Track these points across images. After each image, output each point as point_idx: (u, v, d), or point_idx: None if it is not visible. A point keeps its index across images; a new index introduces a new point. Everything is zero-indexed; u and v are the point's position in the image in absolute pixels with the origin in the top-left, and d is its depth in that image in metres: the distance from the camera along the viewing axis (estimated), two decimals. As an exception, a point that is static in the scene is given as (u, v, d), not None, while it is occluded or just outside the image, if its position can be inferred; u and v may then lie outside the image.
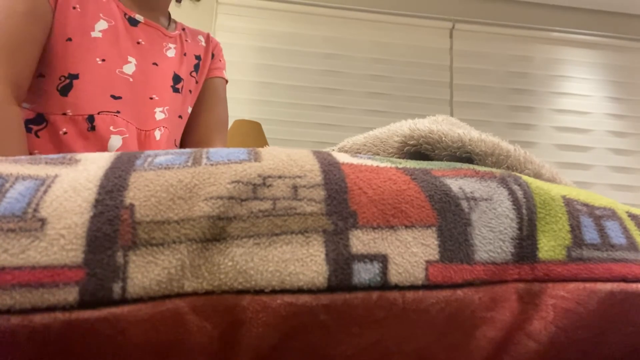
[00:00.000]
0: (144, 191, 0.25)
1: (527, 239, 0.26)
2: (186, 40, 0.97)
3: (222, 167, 0.26)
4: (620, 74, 2.69)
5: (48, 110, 0.80)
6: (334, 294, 0.23)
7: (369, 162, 0.29)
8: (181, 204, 0.24)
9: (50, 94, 0.80)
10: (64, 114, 0.79)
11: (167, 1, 0.96)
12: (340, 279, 0.23)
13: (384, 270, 0.24)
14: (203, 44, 1.01)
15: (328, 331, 0.23)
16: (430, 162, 0.31)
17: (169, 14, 0.99)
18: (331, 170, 0.27)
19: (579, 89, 2.65)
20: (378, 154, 0.42)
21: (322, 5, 2.56)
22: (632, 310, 0.26)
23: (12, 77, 0.72)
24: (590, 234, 0.27)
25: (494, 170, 0.30)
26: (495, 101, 2.60)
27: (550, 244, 0.26)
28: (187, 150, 0.29)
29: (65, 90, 0.80)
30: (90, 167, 0.26)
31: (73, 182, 0.25)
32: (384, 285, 0.24)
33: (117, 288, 0.22)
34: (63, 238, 0.23)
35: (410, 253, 0.24)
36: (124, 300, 0.22)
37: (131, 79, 0.84)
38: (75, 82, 0.81)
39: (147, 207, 0.24)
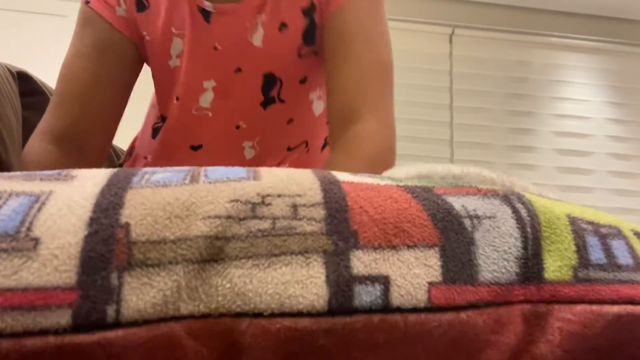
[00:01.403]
0: (140, 209, 0.24)
1: (532, 259, 0.26)
2: None
3: (221, 186, 0.26)
4: (620, 79, 2.69)
5: (138, 144, 0.70)
6: (335, 318, 0.22)
7: (370, 181, 0.28)
8: (178, 222, 0.24)
9: (146, 130, 0.70)
10: (145, 157, 0.71)
11: None
12: (341, 302, 0.23)
13: (386, 293, 0.23)
14: None
15: (328, 356, 0.23)
16: (431, 179, 0.30)
17: None
18: (331, 189, 0.26)
19: (578, 93, 2.65)
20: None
21: (322, 10, 2.55)
22: (639, 333, 0.25)
23: (60, 128, 0.61)
24: (596, 254, 0.26)
25: (496, 188, 0.29)
26: (495, 106, 2.59)
27: (557, 264, 0.26)
28: (185, 167, 0.29)
29: (155, 133, 0.70)
30: (86, 184, 0.26)
31: (68, 200, 0.24)
32: (386, 307, 0.23)
33: (111, 311, 0.21)
34: (56, 258, 0.22)
35: (413, 274, 0.24)
36: (118, 324, 0.21)
37: (210, 114, 0.65)
38: (165, 126, 0.67)
39: (143, 226, 0.23)
